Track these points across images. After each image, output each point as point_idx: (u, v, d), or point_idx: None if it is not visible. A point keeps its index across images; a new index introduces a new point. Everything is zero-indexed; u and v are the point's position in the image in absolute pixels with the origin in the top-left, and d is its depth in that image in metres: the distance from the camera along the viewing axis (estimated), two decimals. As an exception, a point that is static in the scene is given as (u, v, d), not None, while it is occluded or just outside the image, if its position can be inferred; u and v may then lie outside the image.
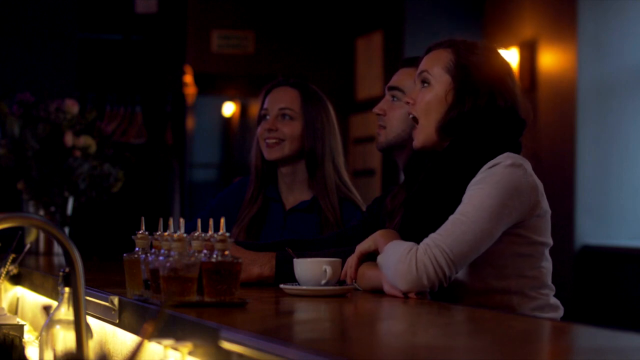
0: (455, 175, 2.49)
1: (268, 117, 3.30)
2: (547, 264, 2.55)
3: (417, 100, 2.58)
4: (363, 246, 2.55)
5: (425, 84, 2.58)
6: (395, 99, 2.88)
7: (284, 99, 3.29)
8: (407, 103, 2.61)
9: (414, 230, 2.49)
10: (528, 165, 2.49)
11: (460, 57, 2.55)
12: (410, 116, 2.61)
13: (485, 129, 2.52)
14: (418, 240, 2.41)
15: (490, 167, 2.45)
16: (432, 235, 2.40)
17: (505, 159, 2.46)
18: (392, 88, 2.89)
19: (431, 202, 2.50)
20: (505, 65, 2.61)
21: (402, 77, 2.90)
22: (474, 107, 2.52)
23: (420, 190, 2.57)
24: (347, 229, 3.03)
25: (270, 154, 3.27)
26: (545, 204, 2.51)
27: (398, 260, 2.37)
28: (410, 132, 2.70)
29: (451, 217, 2.42)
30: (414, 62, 2.84)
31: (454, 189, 2.48)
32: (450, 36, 2.63)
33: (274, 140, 3.26)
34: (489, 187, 2.41)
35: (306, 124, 3.25)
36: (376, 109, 2.90)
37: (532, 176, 2.48)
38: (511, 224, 2.45)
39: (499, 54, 2.62)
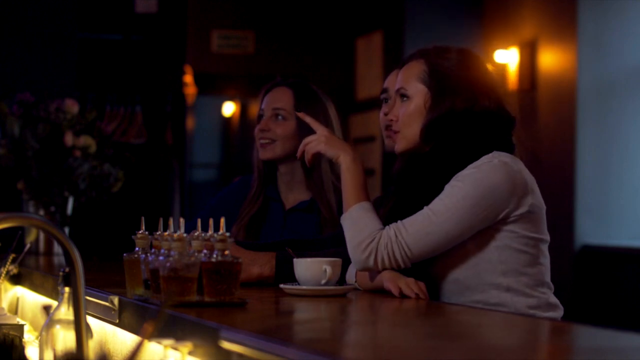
0: (439, 178, 2.50)
1: (264, 117, 3.31)
2: (545, 261, 2.55)
3: (399, 115, 2.60)
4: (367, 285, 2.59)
5: (405, 99, 2.61)
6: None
7: (278, 99, 3.29)
8: (391, 121, 2.64)
9: None
10: (516, 163, 2.50)
11: (432, 64, 2.58)
12: (393, 130, 2.63)
13: (469, 130, 2.52)
14: None
15: (476, 166, 2.46)
16: (398, 227, 2.45)
17: (491, 158, 2.47)
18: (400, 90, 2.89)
19: (416, 207, 2.50)
20: (482, 65, 2.62)
21: None
22: (452, 109, 2.53)
23: (406, 196, 2.58)
24: None
25: (263, 154, 3.28)
26: (537, 200, 2.51)
27: (359, 244, 2.47)
28: None
29: (423, 211, 2.46)
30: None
31: (436, 193, 2.49)
32: (423, 46, 2.65)
33: (266, 141, 3.27)
34: (468, 186, 2.43)
35: (300, 124, 3.24)
36: (391, 115, 2.85)
37: (519, 173, 2.48)
38: (490, 222, 2.46)
39: (473, 55, 2.64)
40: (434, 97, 2.56)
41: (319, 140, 2.60)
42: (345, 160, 2.57)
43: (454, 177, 2.47)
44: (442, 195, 2.46)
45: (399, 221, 2.47)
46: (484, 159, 2.48)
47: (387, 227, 2.47)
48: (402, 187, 2.63)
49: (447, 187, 2.46)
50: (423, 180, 2.55)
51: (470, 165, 2.47)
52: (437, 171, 2.52)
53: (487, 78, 2.59)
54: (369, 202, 2.54)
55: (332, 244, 2.94)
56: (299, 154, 2.64)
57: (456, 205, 2.43)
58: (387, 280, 2.47)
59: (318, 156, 2.65)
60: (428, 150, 2.56)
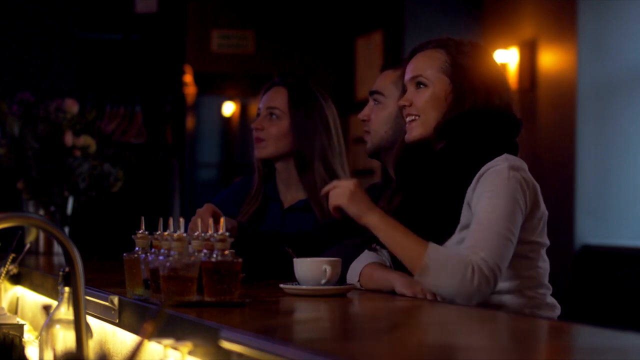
0: (452, 177, 2.49)
1: (259, 116, 3.33)
2: (544, 264, 2.54)
3: (415, 101, 2.56)
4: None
5: (421, 86, 2.57)
6: (376, 102, 2.92)
7: (273, 98, 3.31)
8: (403, 106, 2.58)
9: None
10: (525, 167, 2.50)
11: (454, 57, 2.54)
12: (409, 118, 2.59)
13: (482, 130, 2.51)
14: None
15: (490, 170, 2.44)
16: (478, 253, 2.34)
17: (503, 161, 2.45)
18: (373, 92, 2.94)
19: (428, 205, 2.49)
20: (496, 62, 2.61)
21: (383, 81, 2.93)
22: (473, 107, 2.51)
23: (416, 193, 2.56)
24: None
25: (258, 153, 3.31)
26: (542, 207, 2.51)
27: (462, 279, 2.32)
28: (393, 134, 2.72)
29: (489, 230, 2.36)
30: (396, 64, 2.87)
31: (451, 192, 2.48)
32: (437, 36, 2.62)
33: (259, 140, 3.29)
34: (502, 195, 2.39)
35: (293, 124, 3.25)
36: (361, 116, 2.93)
37: (530, 177, 2.48)
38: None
39: (488, 51, 2.62)
40: (455, 91, 2.53)
41: (344, 194, 2.47)
42: (371, 222, 2.45)
43: (476, 191, 2.42)
44: (489, 209, 2.38)
45: (468, 248, 2.36)
46: (496, 161, 2.45)
47: (467, 259, 2.33)
48: (408, 182, 2.60)
49: (483, 201, 2.39)
50: (432, 178, 2.52)
51: (482, 170, 2.44)
52: (448, 169, 2.50)
53: (501, 75, 2.58)
54: (432, 243, 2.40)
55: (328, 231, 2.96)
56: (324, 192, 2.54)
57: (506, 214, 2.37)
58: (402, 285, 2.44)
59: (339, 209, 2.49)
60: (441, 148, 2.54)
